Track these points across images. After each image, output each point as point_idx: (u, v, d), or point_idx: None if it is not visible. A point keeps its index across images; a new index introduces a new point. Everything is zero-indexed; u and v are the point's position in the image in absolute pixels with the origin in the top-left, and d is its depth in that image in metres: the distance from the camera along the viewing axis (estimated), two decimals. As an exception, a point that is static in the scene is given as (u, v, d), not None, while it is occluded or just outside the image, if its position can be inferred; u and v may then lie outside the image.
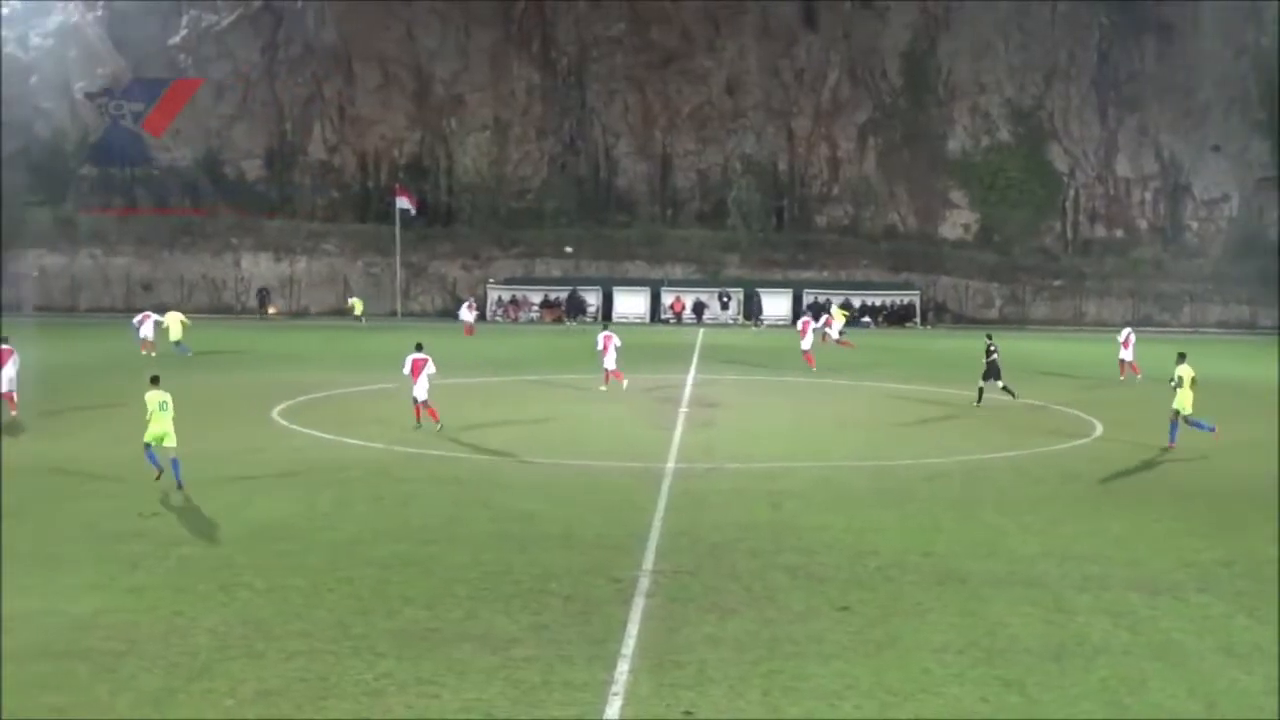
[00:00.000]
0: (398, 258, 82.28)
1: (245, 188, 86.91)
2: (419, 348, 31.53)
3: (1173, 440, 29.15)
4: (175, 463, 23.09)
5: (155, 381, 24.06)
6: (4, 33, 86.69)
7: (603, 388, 39.64)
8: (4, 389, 32.41)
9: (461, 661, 13.89)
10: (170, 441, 23.18)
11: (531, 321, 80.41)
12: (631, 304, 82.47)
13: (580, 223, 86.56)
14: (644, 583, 17.00)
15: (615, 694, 13.01)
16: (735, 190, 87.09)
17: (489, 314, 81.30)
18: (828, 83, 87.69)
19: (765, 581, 17.18)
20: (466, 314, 69.14)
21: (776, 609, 15.96)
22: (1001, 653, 14.44)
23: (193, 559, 18.13)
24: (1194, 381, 29.27)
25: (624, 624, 15.20)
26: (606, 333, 40.86)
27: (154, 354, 49.46)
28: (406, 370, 31.00)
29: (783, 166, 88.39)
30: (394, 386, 38.73)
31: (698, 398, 38.30)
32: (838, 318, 62.77)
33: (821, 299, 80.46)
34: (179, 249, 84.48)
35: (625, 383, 39.45)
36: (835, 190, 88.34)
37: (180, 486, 22.86)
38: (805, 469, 26.00)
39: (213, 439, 28.67)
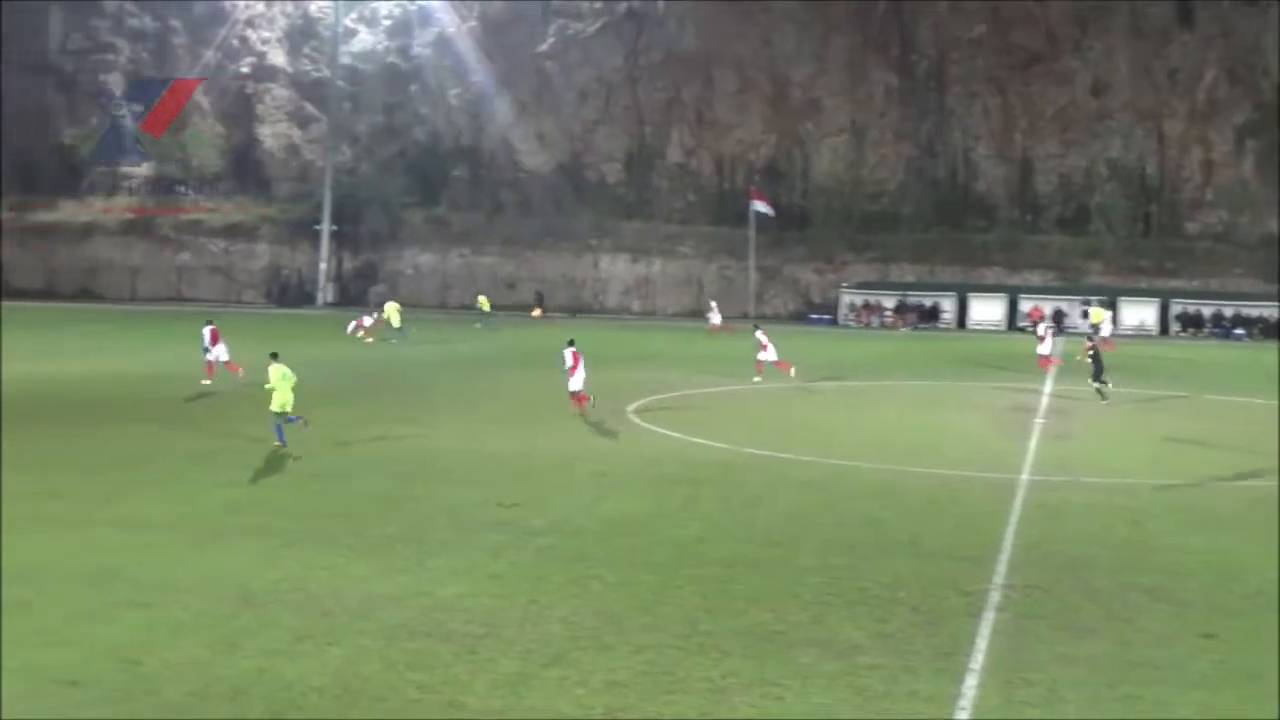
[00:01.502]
0: (751, 260, 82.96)
1: (605, 190, 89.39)
2: (571, 343, 34.54)
3: None
4: (292, 419, 27.15)
5: (275, 357, 28.09)
6: (387, 43, 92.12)
7: (756, 379, 41.45)
8: (224, 359, 39.81)
9: (806, 665, 13.88)
10: (289, 407, 27.03)
11: (884, 327, 79.58)
12: (987, 311, 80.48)
13: (936, 227, 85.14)
14: (994, 596, 16.57)
15: (962, 708, 12.73)
16: (1099, 195, 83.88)
17: (840, 318, 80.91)
18: (1203, 82, 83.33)
19: (1124, 602, 16.47)
20: (715, 316, 68.72)
21: (1135, 631, 15.27)
22: (1387, 694, 13.40)
23: (549, 550, 18.77)
24: None
25: (973, 637, 14.85)
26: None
27: (369, 340, 56.04)
28: (567, 365, 33.51)
29: (1151, 170, 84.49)
30: (742, 388, 39.13)
31: (1054, 408, 37.08)
32: (1095, 318, 61.14)
33: (1190, 309, 76.58)
34: (543, 249, 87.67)
35: (792, 370, 41.80)
36: (1208, 195, 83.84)
37: (283, 445, 26.68)
38: (1168, 486, 24.77)
39: (571, 434, 29.68)
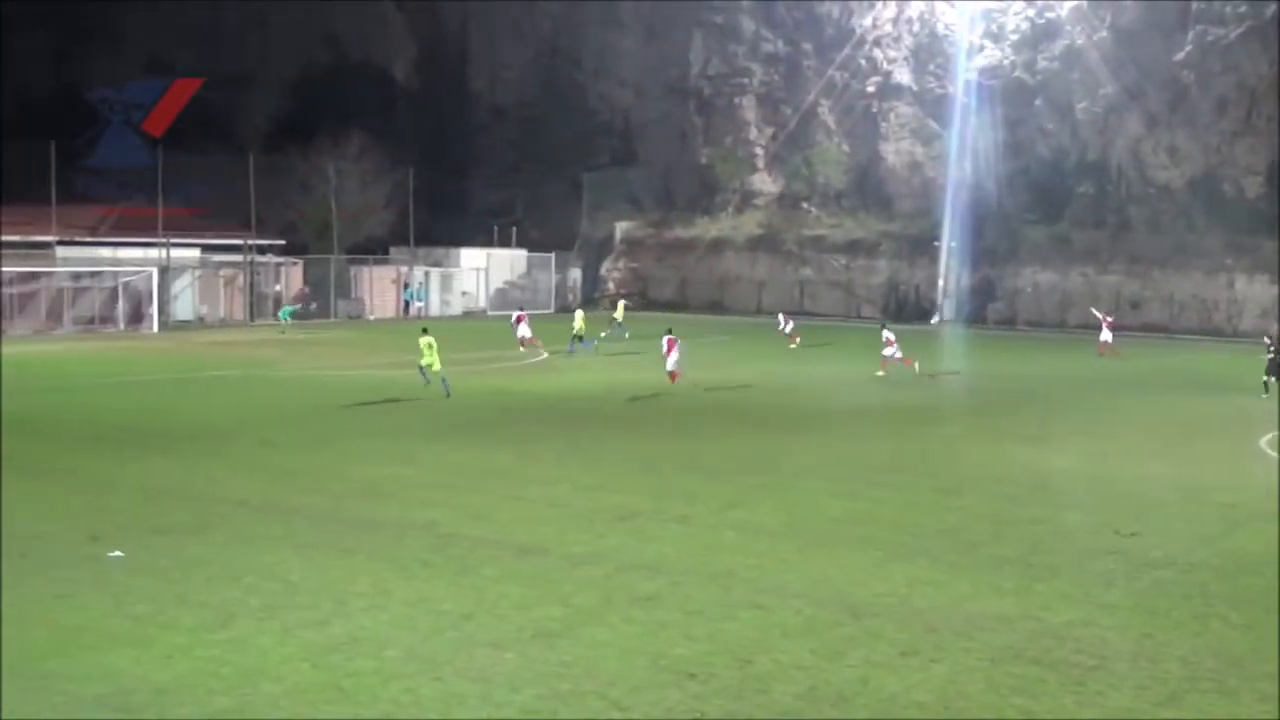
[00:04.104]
0: None
1: (1243, 206, 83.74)
2: (669, 331, 42.84)
3: None
4: (444, 380, 37.57)
5: (425, 331, 39.69)
6: (1013, 58, 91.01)
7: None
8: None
9: None
10: (437, 367, 38.02)
11: None
12: None
13: None
14: None
15: None
16: None
17: None
18: None
19: None
20: None
21: None
22: None
23: (1166, 582, 17.85)
24: None
25: None
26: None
27: (523, 349, 55.09)
28: (664, 350, 41.93)
29: None
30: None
31: None
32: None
33: None
34: (1170, 268, 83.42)
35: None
36: None
37: (448, 395, 37.00)
38: None
39: (1200, 462, 28.19)
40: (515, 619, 15.57)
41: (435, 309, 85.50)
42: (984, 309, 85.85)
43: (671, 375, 41.63)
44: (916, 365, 46.66)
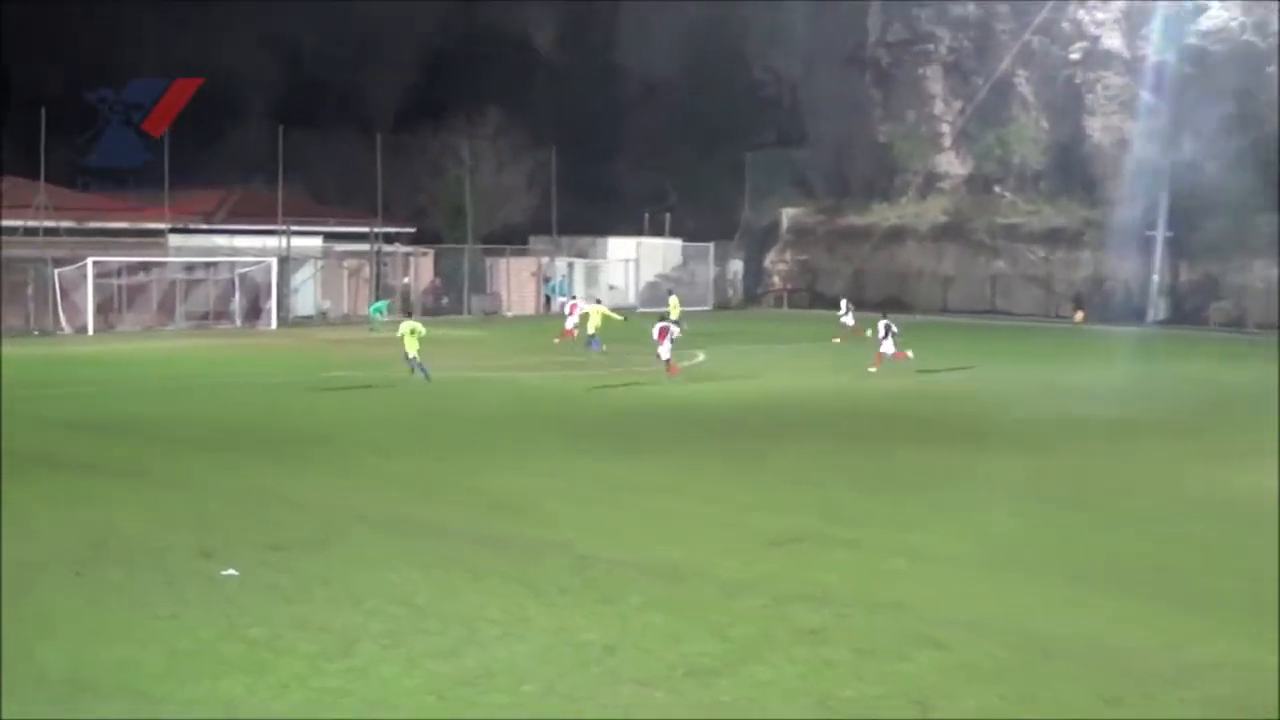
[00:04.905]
0: None
1: None
2: (663, 317, 47.72)
3: None
4: (423, 366, 42.63)
5: (409, 315, 44.20)
6: (1242, 19, 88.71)
7: None
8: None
9: None
10: (414, 352, 42.57)
11: None
12: None
13: None
14: None
15: None
16: None
17: None
18: None
19: None
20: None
21: None
22: None
23: None
24: None
25: None
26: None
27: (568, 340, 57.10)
28: (655, 336, 44.91)
29: None
30: None
31: None
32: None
33: None
34: None
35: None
36: None
37: (428, 379, 42.18)
38: None
39: None
40: (664, 653, 15.66)
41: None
42: (1205, 309, 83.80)
43: (669, 364, 44.97)
44: (910, 353, 48.48)
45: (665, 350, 44.79)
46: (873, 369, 47.80)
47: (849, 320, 62.61)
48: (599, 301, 62.19)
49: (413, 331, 43.69)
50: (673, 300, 66.31)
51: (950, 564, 20.24)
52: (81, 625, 16.45)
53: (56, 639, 15.86)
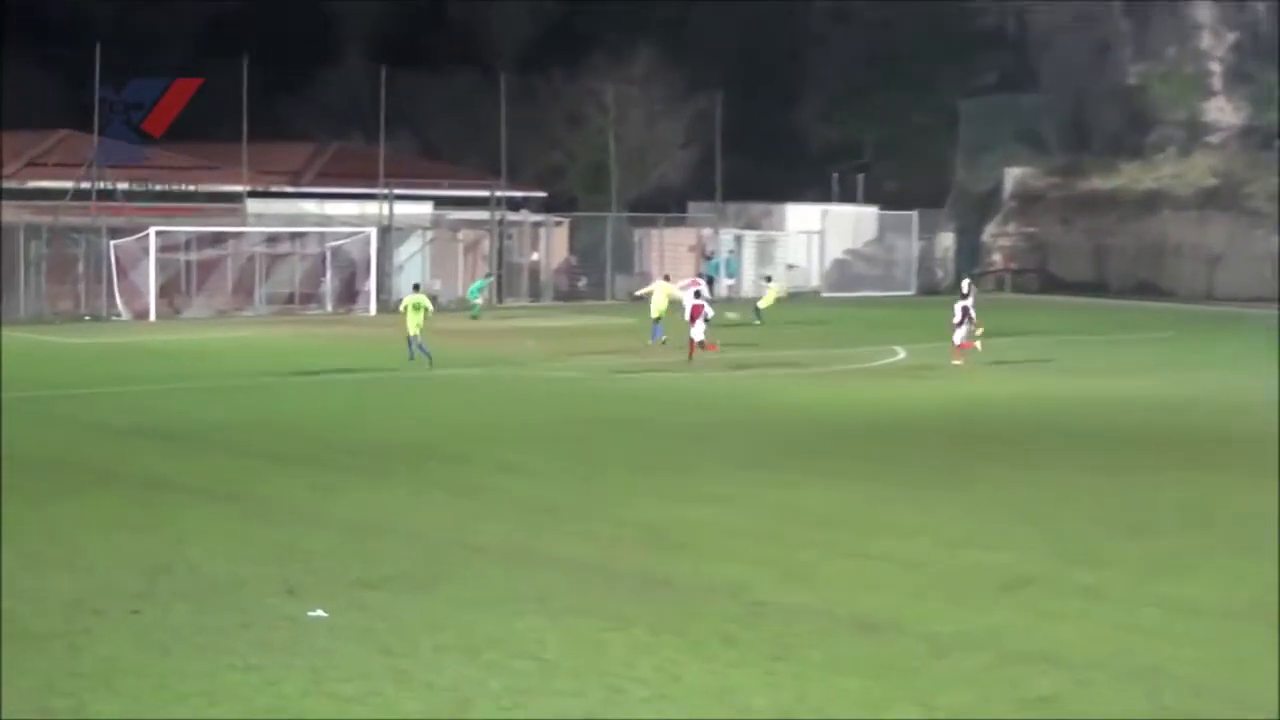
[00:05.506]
0: None
1: None
2: (697, 294, 51.17)
3: None
4: (423, 347, 45.02)
5: (416, 289, 49.87)
6: None
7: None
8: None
9: None
10: (416, 331, 44.90)
11: None
12: None
13: None
14: None
15: None
16: None
17: None
18: None
19: None
20: None
21: None
22: None
23: None
24: None
25: None
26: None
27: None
28: (686, 317, 49.43)
29: None
30: None
31: None
32: None
33: None
34: None
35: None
36: None
37: (430, 364, 44.84)
38: None
39: None
40: (854, 723, 15.59)
41: (748, 288, 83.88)
42: None
43: (703, 345, 49.20)
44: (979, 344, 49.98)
45: (698, 331, 49.01)
46: (956, 361, 49.53)
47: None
48: (668, 278, 61.30)
49: (417, 306, 45.51)
50: (772, 288, 66.65)
51: (1212, 618, 19.73)
52: (142, 678, 16.61)
53: (112, 694, 16.03)
